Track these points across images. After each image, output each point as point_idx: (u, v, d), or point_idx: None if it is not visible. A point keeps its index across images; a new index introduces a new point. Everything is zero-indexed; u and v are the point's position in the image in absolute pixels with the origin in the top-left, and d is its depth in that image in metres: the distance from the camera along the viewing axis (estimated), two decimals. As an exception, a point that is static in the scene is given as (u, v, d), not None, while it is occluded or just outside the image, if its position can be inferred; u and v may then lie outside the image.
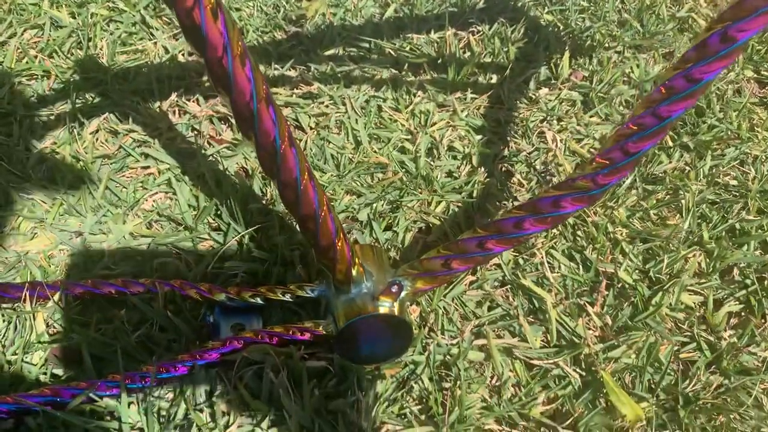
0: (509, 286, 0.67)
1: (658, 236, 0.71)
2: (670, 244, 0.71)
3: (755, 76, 0.97)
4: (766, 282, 0.70)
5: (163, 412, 0.55)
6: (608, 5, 0.99)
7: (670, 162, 0.80)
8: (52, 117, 0.78)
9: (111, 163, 0.73)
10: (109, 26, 0.88)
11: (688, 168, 0.80)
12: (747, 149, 0.83)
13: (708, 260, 0.71)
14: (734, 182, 0.79)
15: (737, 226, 0.74)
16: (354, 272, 0.55)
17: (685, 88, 0.43)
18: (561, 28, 0.94)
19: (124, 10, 0.90)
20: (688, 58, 0.43)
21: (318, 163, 0.76)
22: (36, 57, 0.83)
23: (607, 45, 0.92)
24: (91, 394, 0.52)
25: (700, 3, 1.07)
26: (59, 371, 0.57)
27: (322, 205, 0.48)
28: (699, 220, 0.74)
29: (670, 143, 0.82)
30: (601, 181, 0.49)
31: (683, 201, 0.75)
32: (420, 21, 0.91)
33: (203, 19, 0.34)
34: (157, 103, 0.79)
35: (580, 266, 0.69)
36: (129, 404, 0.53)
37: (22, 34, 0.86)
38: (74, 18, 0.89)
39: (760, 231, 0.74)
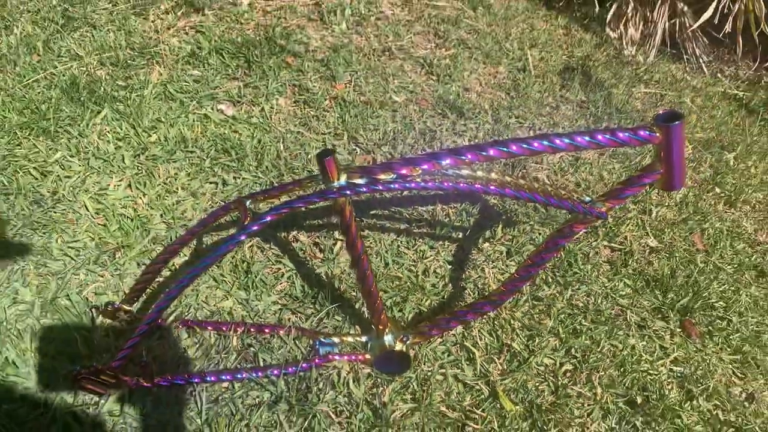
0: (459, 344, 1.35)
1: (536, 328, 1.40)
2: (541, 333, 1.40)
3: (608, 244, 1.70)
4: (586, 355, 1.38)
5: (294, 384, 1.20)
6: (529, 195, 1.74)
7: (549, 290, 1.51)
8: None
9: (259, 262, 1.41)
10: (251, 185, 1.60)
11: (557, 294, 1.51)
12: (591, 287, 1.54)
13: (560, 342, 1.40)
14: (581, 304, 1.50)
15: (577, 327, 1.44)
16: (386, 330, 1.23)
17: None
18: (499, 209, 1.68)
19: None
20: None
21: (365, 273, 1.45)
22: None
23: (523, 221, 1.66)
24: (271, 373, 1.17)
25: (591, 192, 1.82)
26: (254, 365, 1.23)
27: (378, 298, 1.17)
28: (559, 323, 1.44)
29: (550, 280, 1.53)
30: (502, 299, 1.20)
31: (552, 311, 1.45)
32: (422, 198, 1.65)
33: (345, 211, 1.02)
34: (284, 234, 1.49)
35: (495, 339, 1.38)
36: (281, 378, 1.18)
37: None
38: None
39: (589, 331, 1.43)
